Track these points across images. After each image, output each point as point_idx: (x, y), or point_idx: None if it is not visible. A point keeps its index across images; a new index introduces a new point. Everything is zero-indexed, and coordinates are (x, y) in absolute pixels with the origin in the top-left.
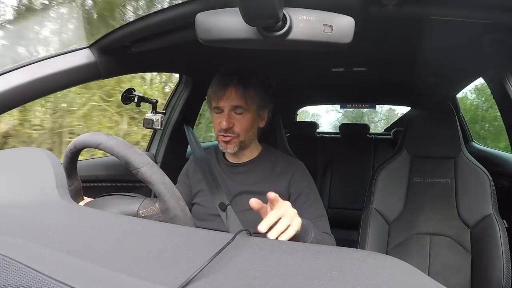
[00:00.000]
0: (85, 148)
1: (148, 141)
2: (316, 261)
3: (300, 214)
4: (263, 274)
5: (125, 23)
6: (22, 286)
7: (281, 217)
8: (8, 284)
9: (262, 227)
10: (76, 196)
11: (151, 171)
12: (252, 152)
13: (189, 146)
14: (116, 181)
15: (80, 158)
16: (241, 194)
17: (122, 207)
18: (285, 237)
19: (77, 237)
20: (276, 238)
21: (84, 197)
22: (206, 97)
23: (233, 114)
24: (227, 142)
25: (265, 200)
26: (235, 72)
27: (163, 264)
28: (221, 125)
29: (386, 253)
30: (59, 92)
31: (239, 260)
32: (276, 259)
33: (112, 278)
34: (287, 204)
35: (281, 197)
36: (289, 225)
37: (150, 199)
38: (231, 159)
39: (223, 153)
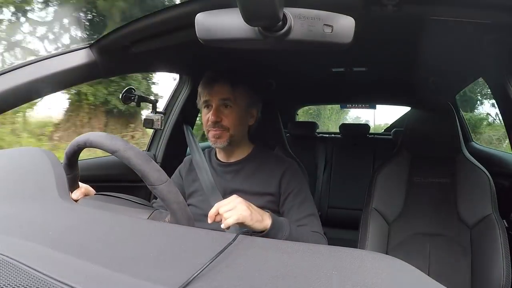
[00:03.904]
0: (97, 148)
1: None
2: (316, 261)
3: (289, 213)
4: (263, 274)
5: (125, 23)
6: (22, 286)
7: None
8: (8, 284)
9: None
10: (73, 184)
11: (168, 190)
12: (243, 151)
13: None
14: (116, 181)
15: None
16: (233, 193)
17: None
18: (223, 226)
19: (77, 237)
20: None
21: (79, 183)
22: None
23: (222, 108)
24: (217, 137)
25: (256, 199)
26: (224, 69)
27: (163, 264)
28: (210, 119)
29: (386, 253)
30: None
31: (240, 260)
32: (276, 259)
33: (112, 278)
34: (237, 200)
35: (272, 196)
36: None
37: (160, 212)
38: (222, 158)
39: (215, 153)
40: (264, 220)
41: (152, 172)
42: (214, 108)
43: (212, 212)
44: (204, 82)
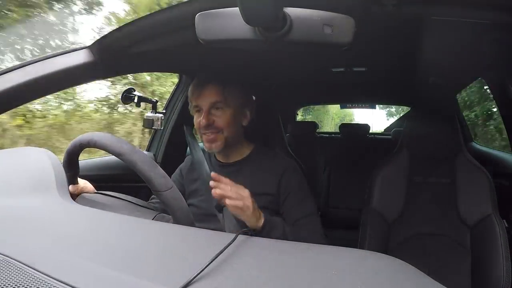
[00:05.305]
0: (100, 149)
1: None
2: (316, 261)
3: (289, 213)
4: (263, 274)
5: (125, 23)
6: (22, 286)
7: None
8: (8, 284)
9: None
10: (72, 181)
11: (172, 196)
12: (242, 151)
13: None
14: (117, 181)
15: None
16: None
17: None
18: (229, 202)
19: (77, 237)
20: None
21: (79, 179)
22: None
23: (213, 110)
24: (211, 141)
25: (256, 199)
26: (212, 72)
27: (164, 264)
28: (201, 122)
29: (386, 253)
30: None
31: (240, 261)
32: (276, 259)
33: (113, 278)
34: (246, 192)
35: (272, 196)
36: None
37: (162, 216)
38: (222, 159)
39: (215, 154)
40: (260, 218)
41: (158, 178)
42: (205, 111)
43: (215, 184)
44: (193, 86)
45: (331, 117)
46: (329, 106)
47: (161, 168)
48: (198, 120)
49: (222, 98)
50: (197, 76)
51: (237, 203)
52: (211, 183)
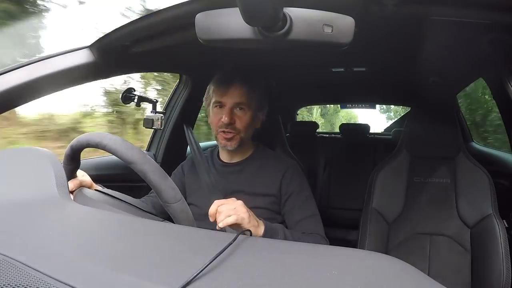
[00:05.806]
0: (109, 153)
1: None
2: (316, 261)
3: (290, 214)
4: (263, 274)
5: (125, 23)
6: (22, 286)
7: (221, 210)
8: (8, 284)
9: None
10: (71, 174)
11: (181, 209)
12: (246, 152)
13: (189, 146)
14: (117, 181)
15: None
16: (234, 194)
17: None
18: (221, 224)
19: (77, 237)
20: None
21: (78, 171)
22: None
23: (235, 110)
24: (228, 139)
25: (257, 200)
26: (239, 70)
27: (163, 264)
28: (223, 120)
29: (386, 253)
30: None
31: (240, 260)
32: (276, 259)
33: (112, 278)
34: (238, 202)
35: (273, 197)
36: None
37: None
38: (225, 159)
39: (218, 153)
40: (259, 226)
41: (168, 189)
42: (228, 109)
43: (212, 211)
44: (219, 81)
45: (340, 120)
46: (339, 111)
47: (171, 180)
48: (219, 116)
49: (246, 100)
50: (223, 71)
51: (228, 221)
52: (211, 218)
